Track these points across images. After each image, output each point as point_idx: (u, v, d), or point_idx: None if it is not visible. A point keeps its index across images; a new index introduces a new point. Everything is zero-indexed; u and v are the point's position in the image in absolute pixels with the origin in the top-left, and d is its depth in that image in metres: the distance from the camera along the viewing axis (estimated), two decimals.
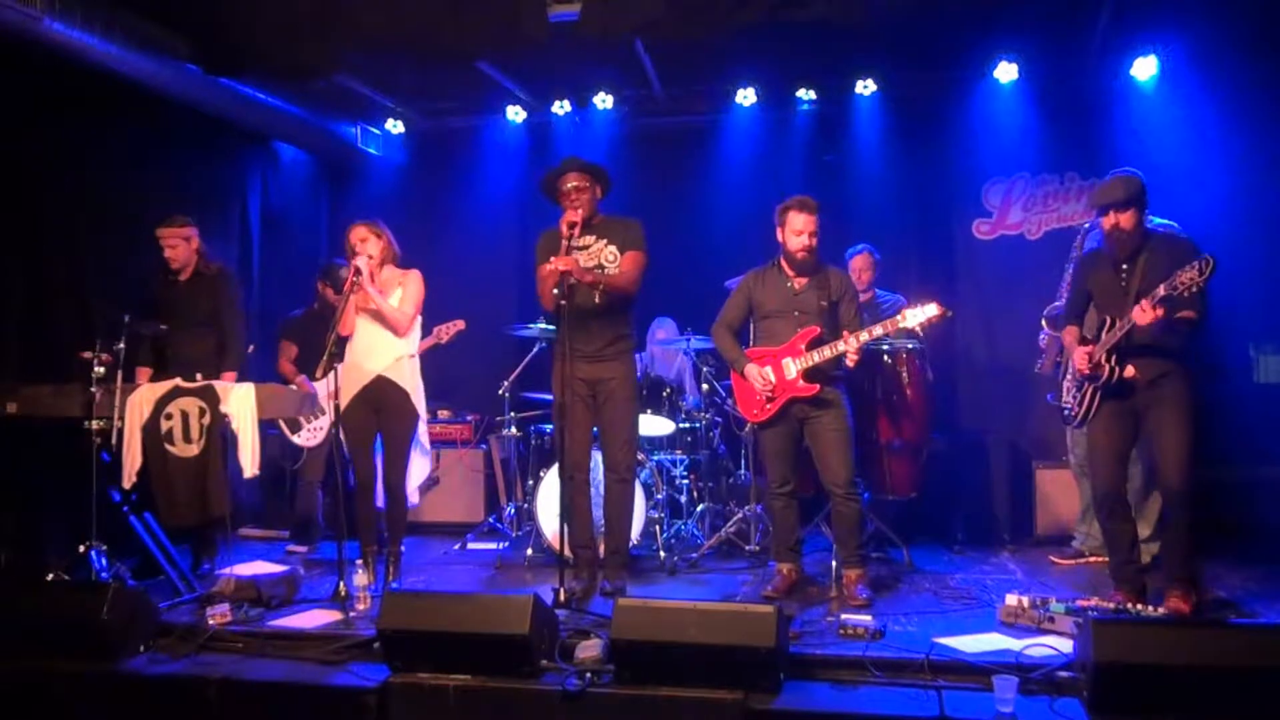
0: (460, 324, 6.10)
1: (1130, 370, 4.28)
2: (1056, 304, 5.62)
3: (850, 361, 4.63)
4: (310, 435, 6.03)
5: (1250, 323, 5.93)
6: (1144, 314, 4.04)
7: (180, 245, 5.31)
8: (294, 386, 5.89)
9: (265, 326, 7.12)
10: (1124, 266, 4.35)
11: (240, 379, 5.20)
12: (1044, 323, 5.70)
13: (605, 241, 4.88)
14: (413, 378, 5.11)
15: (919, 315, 4.56)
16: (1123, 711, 3.29)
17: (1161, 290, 3.98)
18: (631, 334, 5.04)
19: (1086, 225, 5.76)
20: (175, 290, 5.35)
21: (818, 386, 4.69)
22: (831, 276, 4.87)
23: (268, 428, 5.58)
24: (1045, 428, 6.17)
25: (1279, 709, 3.24)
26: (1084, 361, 4.37)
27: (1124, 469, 4.48)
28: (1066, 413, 4.63)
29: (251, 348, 5.53)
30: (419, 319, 5.19)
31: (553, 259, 4.63)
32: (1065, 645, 3.75)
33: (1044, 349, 5.75)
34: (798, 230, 4.75)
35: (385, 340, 5.04)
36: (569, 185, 4.84)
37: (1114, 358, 4.29)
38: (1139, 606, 4.18)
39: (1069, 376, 4.59)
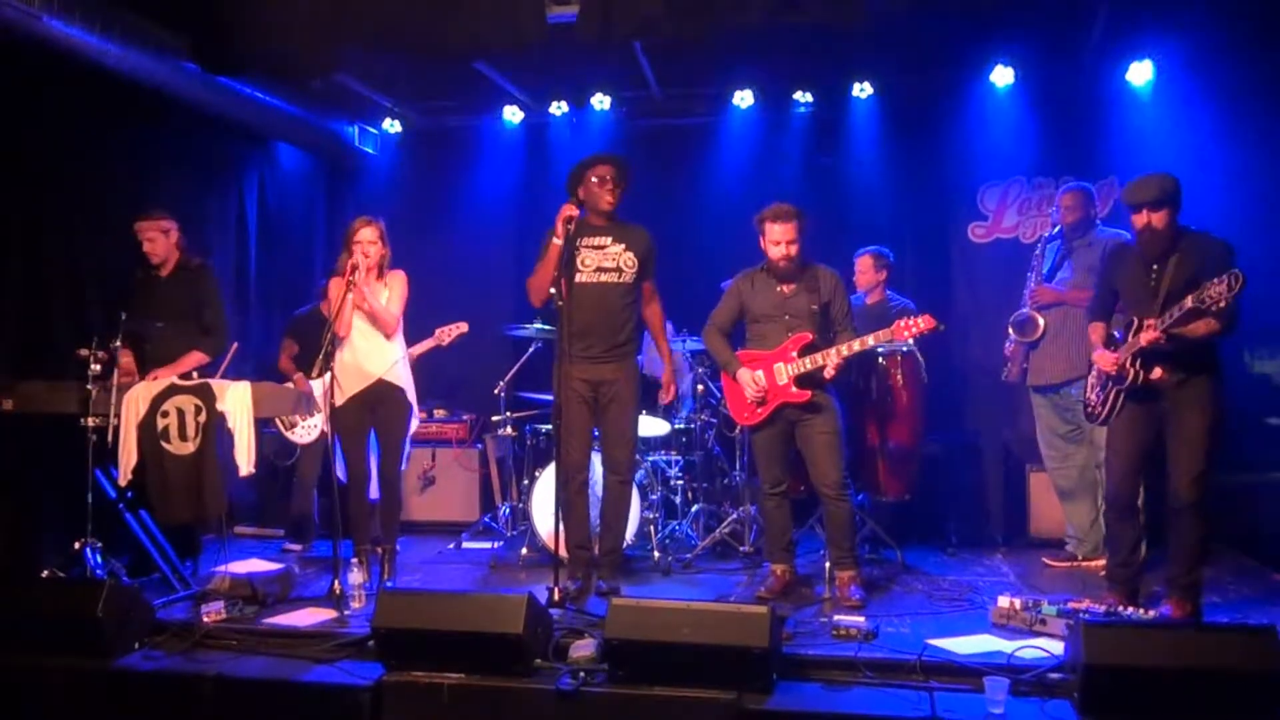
0: (463, 326, 6.10)
1: (1157, 373, 4.23)
2: (1022, 310, 5.64)
3: (827, 375, 4.64)
4: (305, 432, 6.03)
5: (1244, 326, 5.94)
6: (1148, 335, 4.08)
7: (159, 239, 5.22)
8: (290, 384, 5.90)
9: (262, 325, 7.14)
10: (1154, 266, 4.29)
11: (213, 369, 5.22)
12: (1010, 330, 5.71)
13: (623, 246, 4.90)
14: (408, 377, 5.19)
15: (912, 328, 4.57)
16: (1113, 713, 3.32)
17: (1189, 302, 3.97)
18: (636, 336, 5.06)
19: (1046, 235, 5.78)
20: (156, 285, 5.27)
21: (810, 393, 4.70)
22: (822, 277, 4.85)
23: (264, 427, 5.58)
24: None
25: (1268, 711, 3.26)
26: (1109, 364, 4.35)
27: (1140, 472, 4.44)
28: (1088, 409, 4.62)
29: (234, 346, 5.49)
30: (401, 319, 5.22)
31: (559, 219, 4.67)
32: (1057, 647, 3.77)
33: (1009, 356, 5.76)
34: (775, 240, 4.74)
35: (382, 344, 5.07)
36: (600, 174, 4.88)
37: (1139, 361, 4.26)
38: (1130, 609, 4.20)
39: (1093, 372, 4.56)
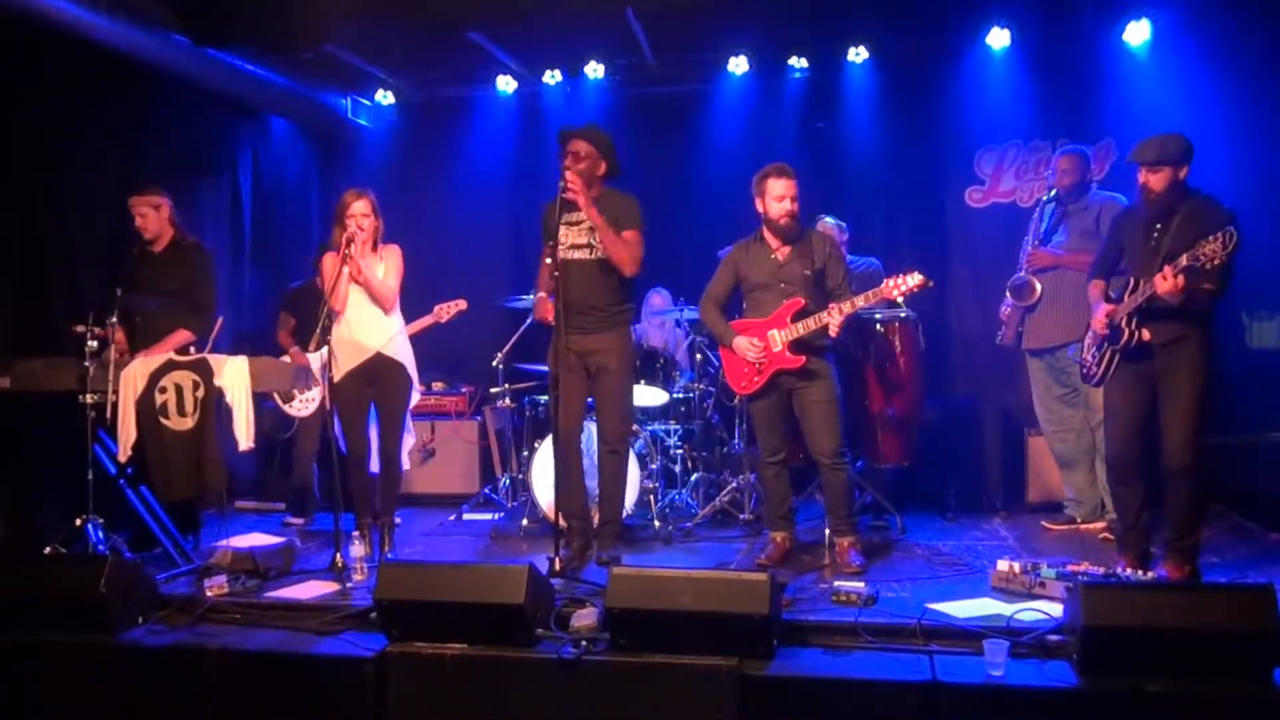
0: (462, 304, 6.08)
1: (1147, 334, 4.22)
2: (1019, 275, 5.62)
3: (833, 332, 4.61)
4: (303, 405, 6.02)
5: (1242, 288, 5.91)
6: (1165, 282, 4.03)
7: (150, 214, 5.18)
8: (287, 358, 5.89)
9: (257, 299, 7.12)
10: (1157, 226, 4.27)
11: (200, 346, 5.19)
12: (1007, 293, 5.70)
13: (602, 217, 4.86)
14: (406, 351, 5.17)
15: (902, 285, 4.54)
16: (1111, 673, 3.33)
17: (1184, 260, 3.95)
18: (628, 306, 5.03)
19: (1043, 198, 5.74)
20: (150, 261, 5.24)
21: (804, 358, 4.69)
22: (815, 242, 4.85)
23: (263, 401, 5.58)
24: None
25: (1265, 669, 3.29)
26: (1101, 322, 4.35)
27: (1140, 434, 4.38)
28: (1084, 370, 4.61)
29: (219, 320, 5.47)
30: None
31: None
32: (1055, 609, 3.78)
33: (1005, 320, 5.75)
34: (779, 196, 4.72)
35: (379, 317, 5.05)
36: (572, 148, 4.83)
37: (1134, 321, 4.24)
38: (1140, 573, 4.19)
39: (1091, 333, 4.55)
